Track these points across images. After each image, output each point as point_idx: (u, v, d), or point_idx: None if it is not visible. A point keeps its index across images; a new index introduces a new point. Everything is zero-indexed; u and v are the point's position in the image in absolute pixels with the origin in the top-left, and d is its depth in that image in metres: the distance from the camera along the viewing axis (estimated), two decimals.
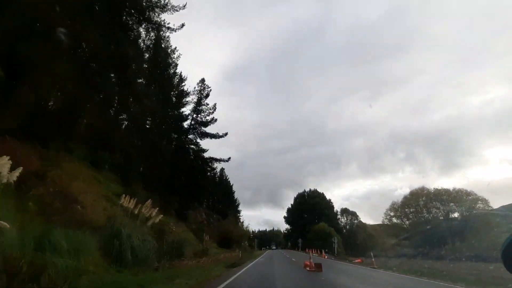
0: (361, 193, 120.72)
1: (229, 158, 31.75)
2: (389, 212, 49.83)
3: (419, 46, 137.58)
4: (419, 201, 46.83)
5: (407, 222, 46.55)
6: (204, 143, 31.14)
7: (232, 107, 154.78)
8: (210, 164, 31.28)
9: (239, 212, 74.26)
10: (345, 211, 69.45)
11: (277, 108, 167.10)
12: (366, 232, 64.08)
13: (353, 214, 68.41)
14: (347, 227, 67.71)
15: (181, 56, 26.96)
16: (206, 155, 31.20)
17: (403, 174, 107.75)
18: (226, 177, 69.12)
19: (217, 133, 31.39)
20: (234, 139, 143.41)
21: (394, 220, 49.09)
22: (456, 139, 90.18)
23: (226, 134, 31.63)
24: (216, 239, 35.41)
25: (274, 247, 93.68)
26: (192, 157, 30.93)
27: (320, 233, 49.05)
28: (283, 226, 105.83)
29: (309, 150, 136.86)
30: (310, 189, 70.36)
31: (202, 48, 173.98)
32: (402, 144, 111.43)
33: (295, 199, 74.45)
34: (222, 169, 66.18)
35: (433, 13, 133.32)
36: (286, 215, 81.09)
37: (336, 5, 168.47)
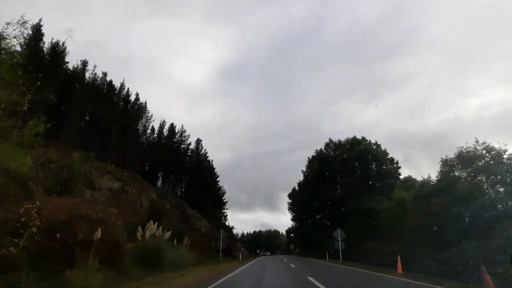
0: None
1: None
2: None
3: (416, 47, 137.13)
4: None
5: None
6: None
7: (227, 107, 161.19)
8: None
9: (224, 204, 57.54)
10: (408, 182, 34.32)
11: (273, 109, 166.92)
12: None
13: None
14: None
15: None
16: None
17: (400, 177, 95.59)
18: (203, 150, 51.02)
19: None
20: (229, 140, 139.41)
21: None
22: (453, 142, 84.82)
23: None
24: None
25: (268, 253, 61.32)
26: None
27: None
28: (283, 228, 76.37)
29: (306, 152, 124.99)
30: (347, 138, 34.96)
31: (196, 46, 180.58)
32: (398, 147, 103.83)
33: (311, 161, 39.23)
34: (198, 140, 50.94)
35: (431, 14, 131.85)
36: (290, 200, 46.19)
37: (332, 4, 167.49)
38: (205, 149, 52.57)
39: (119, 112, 36.56)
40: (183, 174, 49.16)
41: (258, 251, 63.65)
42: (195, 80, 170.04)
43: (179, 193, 48.58)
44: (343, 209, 27.62)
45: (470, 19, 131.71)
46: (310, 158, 39.81)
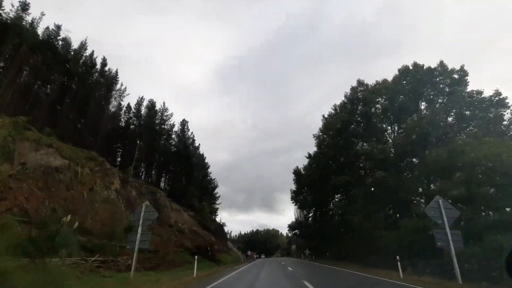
0: None
1: None
2: None
3: (413, 46, 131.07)
4: None
5: None
6: None
7: (224, 107, 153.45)
8: None
9: (216, 198, 50.42)
10: None
11: (270, 109, 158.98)
12: None
13: None
14: None
15: None
16: None
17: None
18: (189, 133, 45.00)
19: None
20: (226, 141, 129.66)
21: None
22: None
23: None
24: None
25: (263, 256, 55.16)
26: None
27: None
28: (282, 229, 78.73)
29: (304, 152, 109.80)
30: (384, 79, 22.15)
31: (191, 45, 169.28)
32: None
33: (328, 118, 26.22)
34: (184, 122, 44.68)
35: (427, 13, 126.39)
36: (295, 182, 33.54)
37: (327, 3, 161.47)
38: (192, 132, 46.04)
39: (77, 76, 29.14)
40: (163, 158, 39.83)
41: (249, 253, 50.27)
42: (191, 80, 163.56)
43: (163, 184, 41.41)
44: (406, 173, 14.45)
45: (468, 19, 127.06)
46: (326, 115, 26.77)
